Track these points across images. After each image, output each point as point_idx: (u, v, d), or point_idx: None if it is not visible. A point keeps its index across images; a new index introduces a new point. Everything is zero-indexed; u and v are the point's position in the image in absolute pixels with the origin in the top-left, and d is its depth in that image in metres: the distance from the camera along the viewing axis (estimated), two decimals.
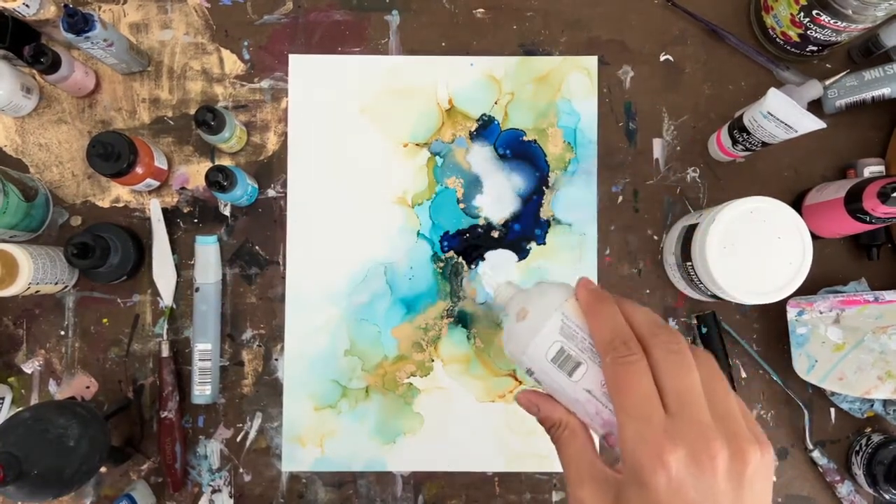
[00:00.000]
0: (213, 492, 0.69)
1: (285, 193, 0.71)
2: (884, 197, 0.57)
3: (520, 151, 0.71)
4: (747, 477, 0.30)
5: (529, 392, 0.37)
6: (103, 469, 0.69)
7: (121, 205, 0.71)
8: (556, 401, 0.35)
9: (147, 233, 0.70)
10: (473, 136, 0.72)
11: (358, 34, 0.72)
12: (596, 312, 0.34)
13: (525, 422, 0.70)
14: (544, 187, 0.71)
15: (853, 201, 0.60)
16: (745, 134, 0.64)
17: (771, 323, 0.71)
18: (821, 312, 0.65)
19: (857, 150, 0.71)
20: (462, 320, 0.71)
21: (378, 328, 0.71)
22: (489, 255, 0.71)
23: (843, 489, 0.68)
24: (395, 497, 0.70)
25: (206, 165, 0.71)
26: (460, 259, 0.71)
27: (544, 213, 0.71)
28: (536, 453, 0.70)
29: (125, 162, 0.63)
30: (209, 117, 0.63)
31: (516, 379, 0.70)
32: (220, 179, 0.62)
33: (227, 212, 0.71)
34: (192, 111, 0.71)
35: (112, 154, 0.62)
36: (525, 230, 0.71)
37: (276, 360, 0.70)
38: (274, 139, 0.72)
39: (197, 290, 0.69)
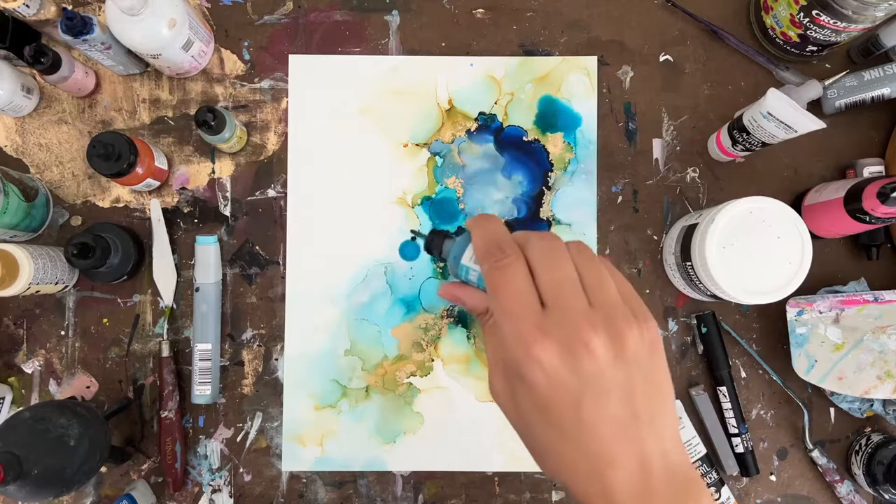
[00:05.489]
0: (214, 491, 0.69)
1: (285, 193, 0.71)
2: (883, 197, 0.57)
3: (521, 151, 0.72)
4: (630, 356, 0.29)
5: (450, 285, 0.38)
6: (104, 469, 0.69)
7: (121, 205, 0.71)
8: (479, 290, 0.36)
9: (147, 233, 0.70)
10: (473, 136, 0.72)
11: (358, 34, 0.72)
12: (474, 226, 0.35)
13: None
14: (544, 187, 0.71)
15: (853, 201, 0.60)
16: (744, 134, 0.64)
17: (770, 323, 0.71)
18: (820, 312, 0.65)
19: (857, 150, 0.71)
20: (462, 320, 0.71)
21: (378, 328, 0.71)
22: None
23: (843, 489, 0.68)
24: (395, 496, 0.70)
25: (207, 166, 0.71)
26: None
27: (544, 213, 0.71)
28: None
29: (125, 162, 0.63)
30: (209, 117, 0.63)
31: None
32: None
33: (227, 212, 0.71)
34: (193, 111, 0.71)
35: (112, 154, 0.62)
36: (525, 230, 0.71)
37: (277, 359, 0.70)
38: (274, 139, 0.72)
39: (197, 290, 0.69)
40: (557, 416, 0.30)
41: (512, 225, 0.71)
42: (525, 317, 0.30)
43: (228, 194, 0.71)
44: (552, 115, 0.72)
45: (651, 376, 0.30)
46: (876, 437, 0.67)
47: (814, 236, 0.64)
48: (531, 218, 0.71)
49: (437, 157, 0.72)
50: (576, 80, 0.72)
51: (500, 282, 0.31)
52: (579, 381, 0.29)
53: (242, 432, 0.70)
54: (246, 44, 0.72)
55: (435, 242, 0.40)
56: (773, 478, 0.70)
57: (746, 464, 0.68)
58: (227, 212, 0.71)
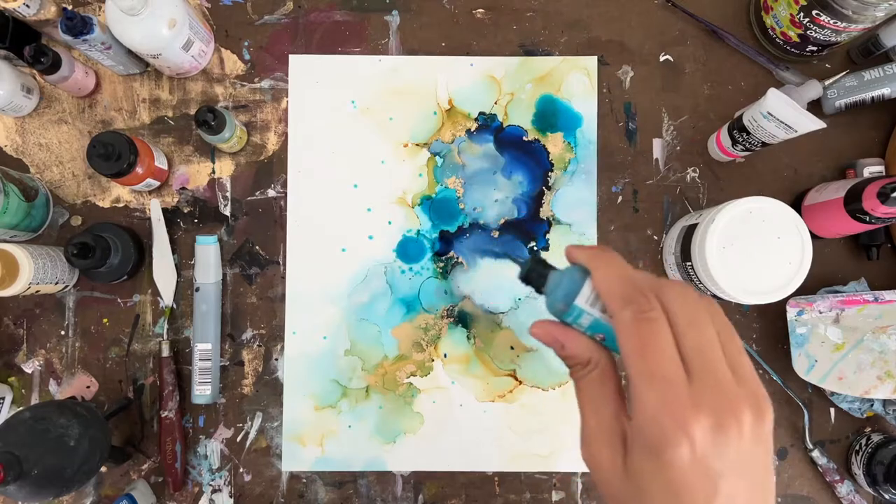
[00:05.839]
0: (214, 491, 0.69)
1: (285, 193, 0.71)
2: (883, 197, 0.57)
3: (521, 151, 0.72)
4: (765, 436, 0.27)
5: (550, 325, 0.32)
6: (104, 469, 0.69)
7: (121, 205, 0.71)
8: (586, 336, 0.32)
9: (147, 233, 0.70)
10: (473, 136, 0.72)
11: (358, 34, 0.72)
12: (598, 263, 0.31)
13: (525, 421, 0.70)
14: (544, 187, 0.71)
15: (853, 201, 0.60)
16: (744, 134, 0.64)
17: (770, 323, 0.71)
18: (820, 312, 0.65)
19: (857, 150, 0.71)
20: (462, 320, 0.71)
21: (378, 328, 0.71)
22: (487, 261, 0.71)
23: (843, 489, 0.68)
24: (395, 496, 0.70)
25: (207, 166, 0.71)
26: (460, 259, 0.71)
27: (544, 213, 0.71)
28: (536, 453, 0.70)
29: (125, 162, 0.63)
30: (209, 117, 0.63)
31: (516, 378, 0.70)
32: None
33: (227, 212, 0.71)
34: (193, 111, 0.71)
35: (112, 154, 0.62)
36: (525, 230, 0.71)
37: (277, 359, 0.70)
38: (274, 139, 0.72)
39: (197, 289, 0.69)
40: (687, 498, 0.26)
41: (513, 224, 0.71)
42: (676, 384, 0.26)
43: (228, 194, 0.71)
44: (552, 115, 0.72)
45: (769, 464, 0.28)
46: (876, 437, 0.67)
47: (814, 236, 0.64)
48: (531, 218, 0.71)
49: (437, 157, 0.72)
50: (576, 80, 0.72)
51: (649, 338, 0.27)
52: (722, 463, 0.26)
53: (242, 432, 0.70)
54: (246, 44, 0.72)
55: (538, 272, 0.33)
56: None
57: None
58: (227, 212, 0.71)
